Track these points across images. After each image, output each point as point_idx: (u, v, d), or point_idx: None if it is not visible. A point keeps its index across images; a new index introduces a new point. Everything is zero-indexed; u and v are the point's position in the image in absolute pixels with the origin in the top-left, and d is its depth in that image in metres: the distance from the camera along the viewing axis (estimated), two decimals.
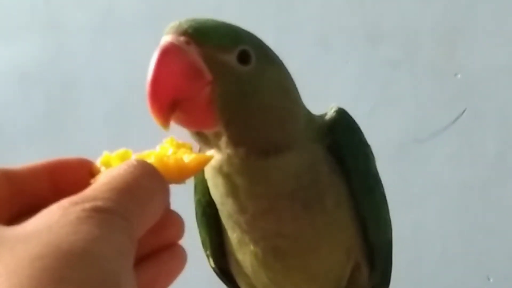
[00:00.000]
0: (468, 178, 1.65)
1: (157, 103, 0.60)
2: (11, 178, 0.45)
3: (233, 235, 0.77)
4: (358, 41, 1.75)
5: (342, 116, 0.78)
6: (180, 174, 0.52)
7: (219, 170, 0.69)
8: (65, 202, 0.40)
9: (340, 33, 1.76)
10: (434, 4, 1.68)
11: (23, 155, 2.10)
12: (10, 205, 0.44)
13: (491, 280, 1.62)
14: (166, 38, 0.62)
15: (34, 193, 0.46)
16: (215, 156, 0.66)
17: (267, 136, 0.69)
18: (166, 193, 0.47)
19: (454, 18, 1.67)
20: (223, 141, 0.65)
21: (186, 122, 0.64)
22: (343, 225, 0.79)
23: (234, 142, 0.65)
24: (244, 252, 0.78)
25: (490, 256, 1.63)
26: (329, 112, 0.78)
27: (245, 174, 0.69)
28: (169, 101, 0.61)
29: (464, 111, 1.64)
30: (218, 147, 0.66)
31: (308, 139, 0.74)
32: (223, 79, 0.63)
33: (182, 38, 0.61)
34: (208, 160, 0.56)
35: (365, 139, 0.81)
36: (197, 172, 0.56)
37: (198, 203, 0.84)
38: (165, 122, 0.61)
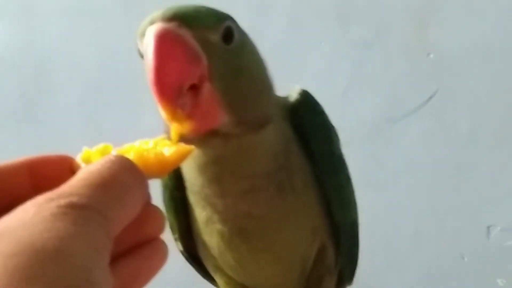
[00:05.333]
0: (440, 158, 1.65)
1: (165, 91, 0.58)
2: None
3: (202, 213, 0.77)
4: (330, 22, 1.74)
5: (306, 99, 0.79)
6: (161, 168, 0.52)
7: (212, 155, 0.69)
8: (40, 198, 0.39)
9: (312, 14, 1.76)
10: None
11: None
12: None
13: (465, 259, 1.64)
14: (157, 26, 0.60)
15: (14, 190, 0.46)
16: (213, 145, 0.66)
17: (260, 109, 0.69)
18: (144, 188, 0.46)
19: None
20: (225, 126, 0.64)
21: (200, 127, 0.61)
22: (309, 206, 0.79)
23: (235, 123, 0.65)
24: (211, 233, 0.78)
25: (463, 235, 1.64)
26: (293, 94, 0.79)
27: (238, 152, 0.69)
28: (176, 88, 0.59)
29: (436, 91, 1.65)
30: (216, 134, 0.64)
31: (279, 116, 0.75)
32: (216, 59, 0.62)
33: (173, 23, 0.60)
34: (188, 152, 0.54)
35: (329, 120, 0.81)
36: (178, 165, 0.54)
37: (166, 187, 0.83)
38: (174, 111, 0.59)
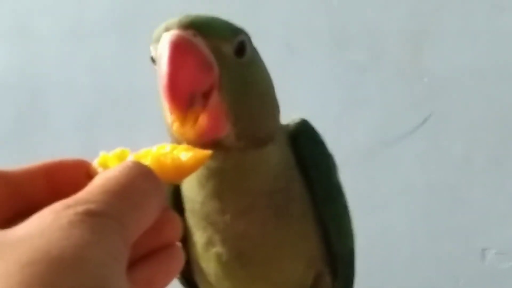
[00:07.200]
0: (435, 181, 1.66)
1: (177, 97, 0.60)
2: (6, 179, 0.45)
3: (203, 235, 0.77)
4: (325, 45, 1.75)
5: (305, 128, 0.79)
6: (178, 174, 0.52)
7: (213, 168, 0.69)
8: (57, 205, 0.39)
9: (306, 37, 1.76)
10: (400, 7, 1.69)
11: None
12: (6, 207, 0.44)
13: (461, 282, 1.63)
14: (173, 33, 0.61)
15: (30, 195, 0.46)
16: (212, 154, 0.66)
17: (264, 126, 0.70)
18: (161, 195, 0.46)
19: (420, 21, 1.68)
20: (229, 138, 0.65)
21: (205, 134, 0.63)
22: (306, 235, 0.79)
23: (238, 137, 0.66)
24: (208, 259, 0.78)
25: (458, 258, 1.64)
26: (292, 122, 0.79)
27: (239, 168, 0.69)
28: (188, 95, 0.60)
29: (431, 114, 1.65)
30: (218, 146, 0.65)
31: (282, 141, 0.75)
32: (227, 70, 0.63)
33: (189, 31, 0.61)
34: (206, 157, 0.54)
35: (327, 150, 0.82)
36: (195, 170, 0.54)
37: None
38: (184, 117, 0.61)
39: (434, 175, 1.66)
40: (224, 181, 0.70)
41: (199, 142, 0.62)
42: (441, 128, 1.65)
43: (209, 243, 0.77)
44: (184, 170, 0.52)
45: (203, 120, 0.62)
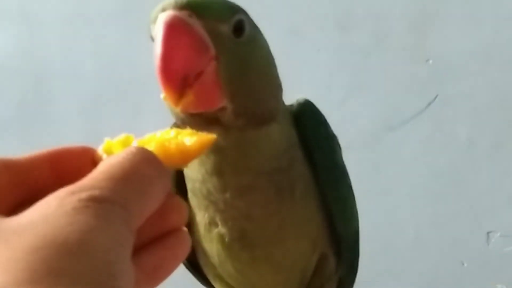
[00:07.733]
0: (440, 164, 1.66)
1: (170, 78, 0.60)
2: (10, 167, 0.44)
3: (205, 215, 0.77)
4: (329, 29, 1.75)
5: (308, 109, 0.79)
6: (182, 158, 0.51)
7: (214, 144, 0.69)
8: (61, 192, 0.39)
9: (311, 21, 1.76)
10: None
11: None
12: (10, 195, 0.43)
13: (465, 264, 1.64)
14: (168, 13, 0.60)
15: (35, 183, 0.45)
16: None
17: (264, 104, 0.70)
18: (166, 180, 0.46)
19: (424, 3, 1.67)
20: (226, 115, 0.65)
21: (197, 104, 0.62)
22: (309, 216, 0.79)
23: (236, 114, 0.65)
24: (211, 240, 0.78)
25: (463, 241, 1.64)
26: (296, 103, 0.79)
27: (239, 146, 0.69)
28: (181, 76, 0.60)
29: (435, 97, 1.65)
30: (218, 122, 0.65)
31: (286, 120, 0.75)
32: (225, 51, 0.63)
33: (184, 12, 0.61)
34: (210, 141, 0.53)
35: (331, 131, 0.81)
36: (200, 154, 0.54)
37: None
38: (178, 98, 0.60)
39: (438, 159, 1.66)
40: (223, 158, 0.70)
41: (192, 114, 0.63)
42: (445, 111, 1.65)
43: (212, 223, 0.77)
44: (188, 155, 0.52)
45: (197, 89, 0.61)
